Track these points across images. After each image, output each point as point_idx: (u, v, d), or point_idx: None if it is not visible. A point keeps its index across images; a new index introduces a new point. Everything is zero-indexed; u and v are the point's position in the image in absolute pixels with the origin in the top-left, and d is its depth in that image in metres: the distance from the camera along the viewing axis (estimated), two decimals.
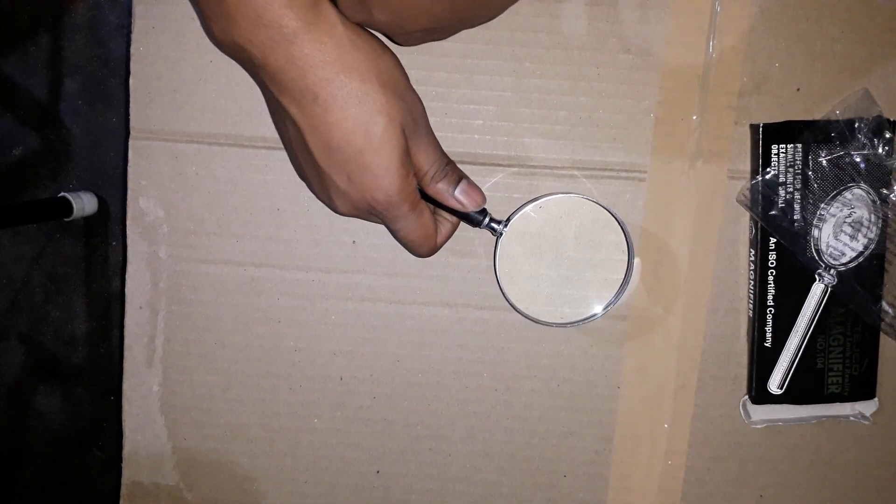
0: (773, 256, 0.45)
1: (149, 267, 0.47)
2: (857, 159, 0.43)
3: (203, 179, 0.46)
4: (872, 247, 0.44)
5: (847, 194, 0.44)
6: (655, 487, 0.48)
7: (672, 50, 0.44)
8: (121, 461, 0.48)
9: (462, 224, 0.43)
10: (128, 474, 0.48)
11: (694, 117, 0.45)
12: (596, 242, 0.45)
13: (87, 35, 1.14)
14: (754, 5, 0.44)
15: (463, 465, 0.48)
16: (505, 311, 0.46)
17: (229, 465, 0.48)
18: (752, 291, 0.46)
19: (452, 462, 0.48)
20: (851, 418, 0.47)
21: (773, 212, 0.44)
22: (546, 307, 0.45)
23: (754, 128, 0.44)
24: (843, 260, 0.45)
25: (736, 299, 0.46)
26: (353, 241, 0.46)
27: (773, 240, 0.44)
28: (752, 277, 0.46)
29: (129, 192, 0.46)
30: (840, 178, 0.44)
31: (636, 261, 0.45)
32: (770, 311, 0.45)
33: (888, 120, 0.43)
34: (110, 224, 1.17)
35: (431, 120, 0.40)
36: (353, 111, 0.34)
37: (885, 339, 0.46)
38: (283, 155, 0.43)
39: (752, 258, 0.45)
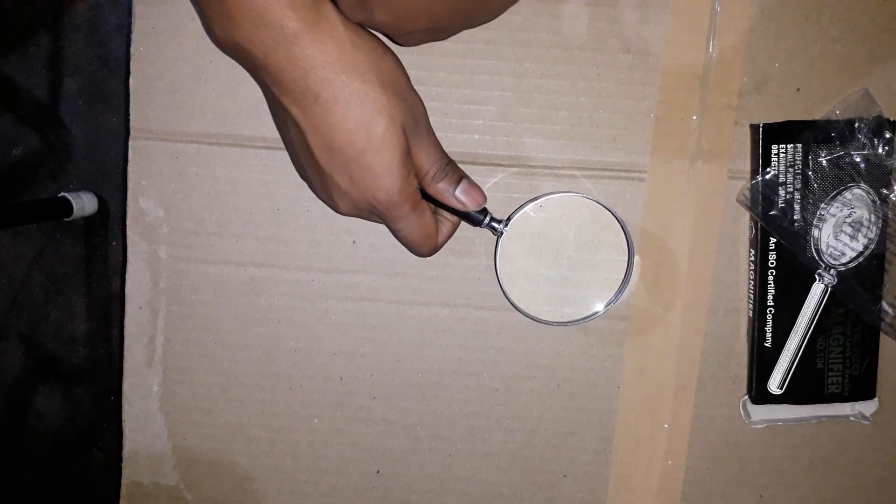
0: (773, 256, 0.45)
1: (149, 267, 0.47)
2: (857, 159, 0.43)
3: (203, 179, 0.46)
4: (872, 247, 0.44)
5: (847, 194, 0.44)
6: (655, 487, 0.48)
7: (672, 50, 0.44)
8: (121, 461, 0.48)
9: (462, 224, 0.43)
10: (128, 474, 0.48)
11: (694, 117, 0.45)
12: (596, 242, 0.45)
13: (87, 35, 1.14)
14: (754, 5, 0.44)
15: (463, 465, 0.48)
16: (505, 311, 0.46)
17: (229, 465, 0.48)
18: (752, 291, 0.46)
19: (452, 462, 0.48)
20: (851, 418, 0.47)
21: (773, 212, 0.44)
22: (546, 307, 0.45)
23: (754, 128, 0.44)
24: (843, 260, 0.45)
25: (736, 299, 0.46)
26: (353, 241, 0.46)
27: (773, 240, 0.44)
28: (752, 277, 0.46)
29: (129, 192, 0.46)
30: (840, 178, 0.44)
31: (636, 260, 0.45)
32: (770, 311, 0.45)
33: (888, 120, 0.43)
34: (110, 224, 1.17)
35: (432, 120, 0.40)
36: (354, 111, 0.35)
37: (885, 339, 0.46)
38: (283, 155, 0.43)
39: (752, 258, 0.45)
